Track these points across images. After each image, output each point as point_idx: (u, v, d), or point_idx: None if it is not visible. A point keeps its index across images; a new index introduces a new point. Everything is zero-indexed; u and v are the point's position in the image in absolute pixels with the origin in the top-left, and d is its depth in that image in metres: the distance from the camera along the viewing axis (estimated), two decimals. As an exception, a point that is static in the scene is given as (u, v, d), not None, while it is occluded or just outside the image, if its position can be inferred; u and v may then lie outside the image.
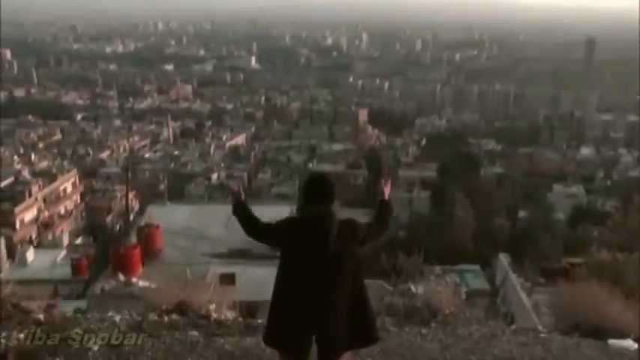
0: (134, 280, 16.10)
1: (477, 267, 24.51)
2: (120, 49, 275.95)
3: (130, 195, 55.97)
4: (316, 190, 3.76)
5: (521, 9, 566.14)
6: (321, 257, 3.71)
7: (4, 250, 31.09)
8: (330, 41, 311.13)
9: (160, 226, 18.86)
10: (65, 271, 26.87)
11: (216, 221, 20.54)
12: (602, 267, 20.15)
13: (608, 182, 76.86)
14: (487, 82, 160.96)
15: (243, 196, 4.21)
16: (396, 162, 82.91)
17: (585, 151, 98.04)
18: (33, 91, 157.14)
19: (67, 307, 20.24)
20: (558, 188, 70.41)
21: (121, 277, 16.18)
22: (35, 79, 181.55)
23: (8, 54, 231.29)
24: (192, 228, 18.13)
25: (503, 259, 21.80)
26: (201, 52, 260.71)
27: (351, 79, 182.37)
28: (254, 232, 4.01)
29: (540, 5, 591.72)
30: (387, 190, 4.20)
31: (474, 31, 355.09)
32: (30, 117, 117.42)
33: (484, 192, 58.09)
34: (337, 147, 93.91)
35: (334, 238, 3.69)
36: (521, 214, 57.75)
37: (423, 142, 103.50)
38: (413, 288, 21.78)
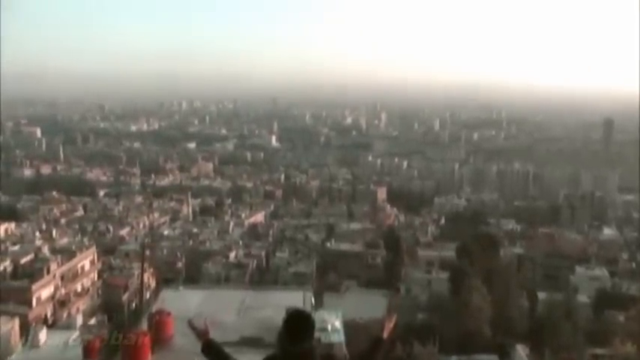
0: (142, 369, 15.81)
1: (494, 358, 23.70)
2: (144, 127, 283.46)
3: (147, 273, 55.97)
4: (297, 328, 3.77)
5: (538, 90, 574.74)
6: None
7: (17, 330, 30.87)
8: (349, 120, 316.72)
9: (172, 313, 18.69)
10: (76, 354, 26.44)
11: (229, 307, 20.39)
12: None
13: (633, 265, 74.93)
14: (506, 162, 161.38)
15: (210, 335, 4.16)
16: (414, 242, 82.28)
17: (608, 232, 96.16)
18: (59, 167, 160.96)
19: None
20: (581, 270, 68.70)
21: (130, 366, 15.89)
22: (62, 156, 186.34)
23: (38, 132, 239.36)
24: (204, 314, 17.88)
25: (521, 350, 21.08)
26: (223, 131, 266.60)
27: (370, 158, 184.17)
28: None
29: (557, 86, 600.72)
30: (387, 329, 4.13)
31: (491, 111, 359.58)
32: (54, 193, 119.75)
33: (504, 274, 56.96)
34: (355, 226, 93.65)
35: None
36: (542, 296, 56.25)
37: (442, 221, 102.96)
38: (428, 380, 21.18)
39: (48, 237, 76.34)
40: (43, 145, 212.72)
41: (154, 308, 20.13)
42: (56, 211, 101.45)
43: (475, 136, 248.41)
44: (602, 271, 68.84)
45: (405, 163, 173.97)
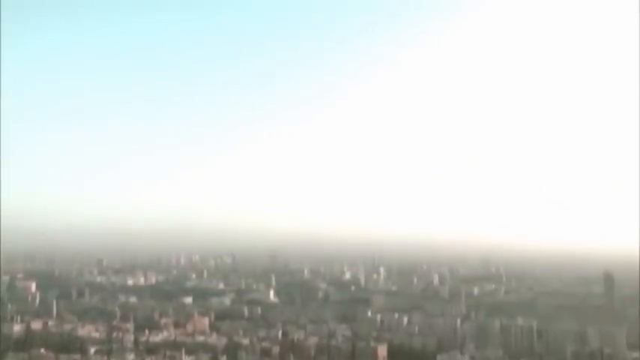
0: None
1: None
2: (141, 281, 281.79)
3: None
4: None
5: (534, 243, 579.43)
6: None
7: None
8: (348, 275, 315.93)
9: None
10: None
11: None
12: None
13: None
14: (508, 317, 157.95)
15: None
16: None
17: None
18: (50, 323, 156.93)
19: None
20: None
21: None
22: (55, 311, 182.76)
23: (33, 287, 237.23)
24: None
25: None
26: (221, 286, 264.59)
27: (369, 314, 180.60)
28: None
29: (553, 240, 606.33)
30: None
31: (490, 265, 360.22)
32: (42, 350, 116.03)
33: None
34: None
35: None
36: None
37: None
38: None
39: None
40: (37, 300, 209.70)
41: None
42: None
43: (475, 290, 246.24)
44: None
45: (406, 319, 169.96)
